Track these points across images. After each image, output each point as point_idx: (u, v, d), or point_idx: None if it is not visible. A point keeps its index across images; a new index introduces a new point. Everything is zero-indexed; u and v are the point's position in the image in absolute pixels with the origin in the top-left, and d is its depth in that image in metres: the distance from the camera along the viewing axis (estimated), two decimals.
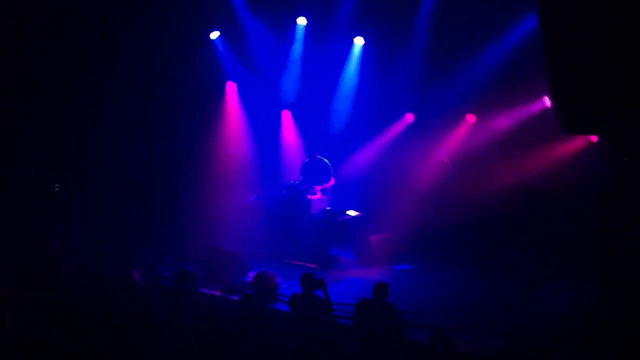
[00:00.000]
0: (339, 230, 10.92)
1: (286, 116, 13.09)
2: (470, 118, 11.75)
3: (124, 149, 11.67)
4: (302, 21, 12.43)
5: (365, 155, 12.64)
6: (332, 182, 11.25)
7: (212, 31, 12.48)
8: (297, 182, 11.15)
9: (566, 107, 4.88)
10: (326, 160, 11.30)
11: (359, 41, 12.32)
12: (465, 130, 11.82)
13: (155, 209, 11.56)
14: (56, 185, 11.37)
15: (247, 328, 6.84)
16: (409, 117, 12.36)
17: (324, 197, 11.08)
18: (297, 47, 12.66)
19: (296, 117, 13.07)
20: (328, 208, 11.00)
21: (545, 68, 4.90)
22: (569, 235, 9.85)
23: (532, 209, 10.51)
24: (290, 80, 12.87)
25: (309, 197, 10.89)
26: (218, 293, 9.10)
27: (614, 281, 8.07)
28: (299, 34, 12.56)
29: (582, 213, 9.86)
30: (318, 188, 11.05)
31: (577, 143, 10.57)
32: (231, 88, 12.97)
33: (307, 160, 11.48)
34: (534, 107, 10.96)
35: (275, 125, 13.11)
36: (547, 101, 10.47)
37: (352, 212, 11.04)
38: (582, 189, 10.08)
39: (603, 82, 4.66)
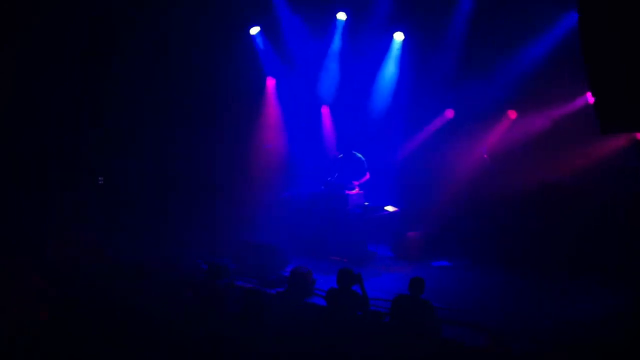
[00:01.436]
0: (376, 226, 10.92)
1: (325, 112, 13.11)
2: (512, 114, 11.57)
3: (163, 144, 11.84)
4: (341, 16, 12.43)
5: (405, 151, 12.57)
6: (367, 177, 11.20)
7: (252, 26, 12.57)
8: (333, 178, 11.14)
9: (606, 106, 4.82)
10: (360, 155, 11.26)
11: (398, 36, 12.26)
12: (506, 126, 11.66)
13: (192, 204, 11.70)
14: (99, 178, 11.61)
15: (282, 321, 6.91)
16: (449, 113, 12.24)
17: (361, 192, 11.06)
18: (337, 43, 12.66)
19: (335, 113, 13.07)
20: (366, 203, 10.99)
21: (584, 66, 4.85)
22: (606, 236, 9.71)
23: (570, 208, 10.35)
24: (329, 76, 12.88)
25: (346, 192, 10.90)
26: (254, 286, 9.19)
27: None
28: (339, 29, 12.57)
29: (618, 215, 9.71)
30: (356, 183, 11.04)
31: (617, 142, 10.35)
32: (270, 83, 13.05)
33: (341, 155, 11.45)
34: (575, 104, 10.77)
35: (314, 121, 13.13)
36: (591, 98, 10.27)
37: (390, 208, 11.02)
38: (617, 190, 9.92)
39: None
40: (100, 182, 11.64)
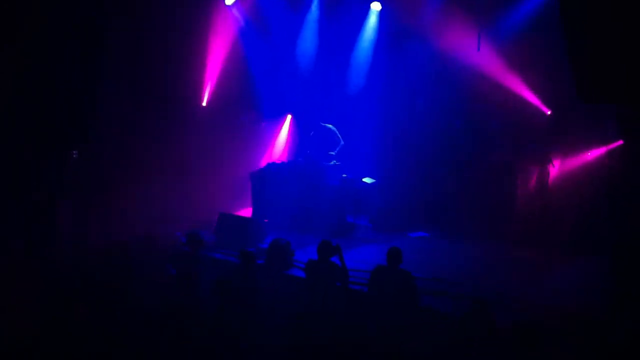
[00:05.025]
0: (355, 198, 10.93)
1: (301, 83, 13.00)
2: None
3: (139, 116, 11.65)
4: None
5: (383, 122, 12.52)
6: (341, 144, 11.17)
7: None
8: (309, 153, 11.10)
9: (585, 75, 4.80)
10: (330, 126, 11.22)
11: (375, 6, 12.15)
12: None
13: (171, 177, 11.59)
14: (74, 152, 11.40)
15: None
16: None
17: (339, 163, 11.04)
18: (314, 12, 12.53)
19: (312, 84, 12.95)
20: (344, 175, 10.99)
21: (563, 35, 4.82)
22: (585, 209, 9.80)
23: (552, 180, 10.45)
24: (307, 47, 12.75)
25: (324, 164, 10.87)
26: (233, 259, 9.18)
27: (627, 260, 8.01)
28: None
29: (598, 189, 9.79)
30: (332, 155, 11.01)
31: None
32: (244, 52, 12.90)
33: (312, 132, 11.40)
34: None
35: (290, 93, 13.02)
36: None
37: (368, 180, 11.03)
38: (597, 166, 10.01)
39: (622, 51, 4.60)
40: (74, 156, 11.42)
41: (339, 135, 11.15)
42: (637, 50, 4.66)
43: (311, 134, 11.39)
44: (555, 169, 10.68)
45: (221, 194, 11.45)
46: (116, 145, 11.40)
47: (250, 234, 9.71)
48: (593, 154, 10.41)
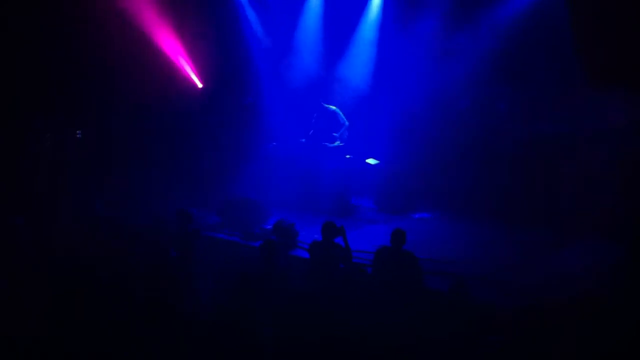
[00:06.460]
0: (358, 179, 10.94)
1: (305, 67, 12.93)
2: None
3: (144, 102, 11.65)
4: None
5: (387, 103, 12.45)
6: (346, 126, 11.13)
7: None
8: (311, 134, 11.07)
9: (593, 61, 4.80)
10: (333, 107, 11.15)
11: None
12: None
13: (174, 158, 11.60)
14: (78, 132, 11.42)
15: (267, 274, 6.91)
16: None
17: (342, 144, 11.02)
18: None
19: (316, 68, 12.88)
20: (348, 156, 10.97)
21: (571, 25, 4.80)
22: (595, 191, 9.74)
23: (558, 160, 10.36)
24: (311, 30, 12.68)
25: (328, 145, 10.85)
26: (238, 240, 9.21)
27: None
28: None
29: (610, 168, 9.71)
30: (336, 136, 10.99)
31: None
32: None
33: (315, 114, 11.34)
34: None
35: (294, 77, 12.97)
36: None
37: (371, 161, 11.03)
38: (609, 144, 9.91)
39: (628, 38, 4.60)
40: (78, 136, 11.45)
41: (343, 117, 11.09)
42: None
43: (314, 115, 11.34)
44: None
45: (225, 175, 11.44)
46: (119, 130, 11.45)
47: (254, 215, 9.72)
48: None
